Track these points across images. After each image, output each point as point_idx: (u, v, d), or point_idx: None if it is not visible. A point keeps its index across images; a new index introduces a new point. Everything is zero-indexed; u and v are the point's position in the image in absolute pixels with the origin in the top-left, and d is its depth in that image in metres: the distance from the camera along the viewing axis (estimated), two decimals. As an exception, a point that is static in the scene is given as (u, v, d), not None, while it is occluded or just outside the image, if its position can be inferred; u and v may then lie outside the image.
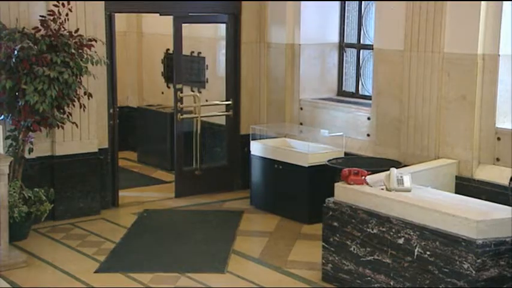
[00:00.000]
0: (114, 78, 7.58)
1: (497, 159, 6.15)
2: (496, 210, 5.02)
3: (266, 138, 7.84)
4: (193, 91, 8.87)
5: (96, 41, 6.65)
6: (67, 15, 6.55)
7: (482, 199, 5.51)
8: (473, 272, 4.52)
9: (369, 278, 5.20)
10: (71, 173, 7.13)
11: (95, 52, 6.62)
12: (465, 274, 4.56)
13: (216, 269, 5.87)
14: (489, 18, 6.00)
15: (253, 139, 7.78)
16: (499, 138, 6.13)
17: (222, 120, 8.51)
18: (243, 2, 8.18)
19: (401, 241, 4.96)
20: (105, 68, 7.15)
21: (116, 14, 7.55)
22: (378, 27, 7.17)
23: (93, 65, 6.56)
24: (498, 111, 6.10)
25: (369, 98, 7.55)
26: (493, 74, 6.05)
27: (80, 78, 6.57)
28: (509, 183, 5.62)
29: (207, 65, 9.00)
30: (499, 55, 6.01)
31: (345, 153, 7.23)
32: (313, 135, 7.64)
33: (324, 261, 5.56)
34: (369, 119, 7.34)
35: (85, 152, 7.19)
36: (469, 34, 6.08)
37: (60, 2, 6.52)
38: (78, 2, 6.89)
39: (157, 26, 9.43)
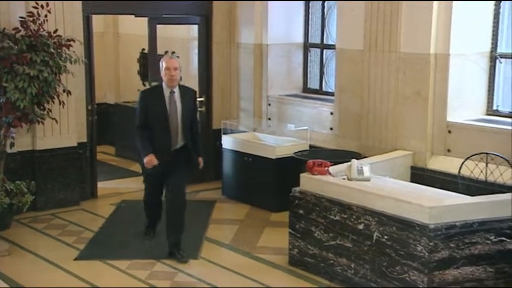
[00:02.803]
0: (92, 76, 7.52)
1: (449, 150, 6.24)
2: (447, 197, 5.13)
3: (236, 132, 7.86)
4: (167, 88, 8.82)
5: (74, 41, 6.58)
6: (46, 16, 6.48)
7: (435, 187, 5.59)
8: (426, 254, 4.58)
9: (332, 261, 5.26)
10: (51, 166, 7.06)
11: (73, 52, 6.56)
12: (419, 256, 4.63)
13: (189, 255, 5.87)
14: (440, 19, 6.09)
15: (225, 133, 7.79)
16: (449, 131, 6.23)
17: (195, 116, 8.50)
18: (214, 4, 8.17)
19: (361, 227, 5.01)
20: (83, 67, 7.09)
21: (93, 16, 7.48)
22: (339, 28, 7.23)
23: (71, 63, 6.50)
24: (449, 106, 6.19)
25: (331, 94, 7.62)
26: (444, 72, 6.14)
27: (59, 77, 6.50)
28: (459, 172, 5.77)
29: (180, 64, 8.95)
30: (449, 54, 6.10)
31: (310, 146, 7.28)
32: (281, 129, 7.68)
33: (290, 246, 5.61)
34: (331, 114, 7.41)
35: (64, 147, 7.12)
36: (422, 35, 6.17)
37: (39, 3, 6.45)
38: (56, 3, 6.82)
39: (133, 27, 9.37)
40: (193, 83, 8.49)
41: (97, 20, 8.43)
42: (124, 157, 9.37)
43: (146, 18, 7.84)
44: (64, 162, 7.14)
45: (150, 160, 5.57)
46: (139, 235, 6.38)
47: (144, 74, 9.44)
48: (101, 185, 7.79)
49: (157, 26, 7.88)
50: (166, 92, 5.64)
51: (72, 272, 5.51)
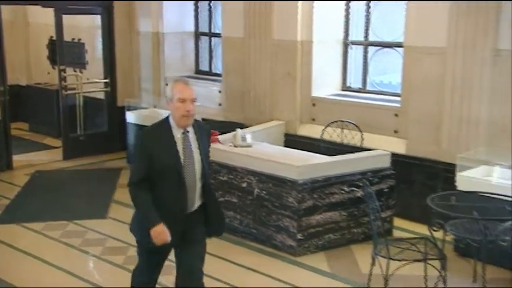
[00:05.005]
0: (3, 61, 6.99)
1: (313, 120, 6.43)
2: (312, 158, 5.29)
3: (139, 108, 7.65)
4: (75, 71, 8.40)
5: (-17, 29, 6.07)
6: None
7: (303, 150, 5.72)
8: (296, 204, 4.73)
9: (221, 214, 5.31)
10: (-33, 142, 6.55)
11: (-17, 38, 6.05)
12: (290, 206, 4.77)
13: (98, 215, 5.70)
14: (305, 12, 6.20)
15: (128, 110, 7.56)
16: (314, 104, 6.41)
17: (101, 95, 8.16)
18: (115, -5, 7.85)
19: (244, 185, 5.07)
20: (-6, 52, 6.57)
21: (1, 6, 6.91)
22: (224, 19, 7.18)
23: (-18, 49, 6.00)
24: (313, 84, 6.36)
25: (219, 75, 7.59)
26: (309, 56, 6.28)
27: (-30, 61, 5.97)
28: (321, 137, 6.00)
29: (86, 50, 8.55)
30: (312, 41, 6.25)
31: (202, 119, 7.14)
32: (177, 106, 7.56)
33: (186, 203, 5.59)
34: (220, 91, 7.39)
35: (-22, 124, 6.63)
36: (290, 25, 6.25)
37: None
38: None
39: (42, 16, 8.76)
40: (99, 66, 8.17)
41: (7, 10, 7.80)
42: (37, 132, 8.87)
43: (52, 9, 7.37)
44: (-21, 138, 6.64)
45: (161, 234, 3.14)
46: (53, 200, 6.09)
47: (52, 59, 8.93)
48: (16, 157, 7.32)
49: (64, 15, 7.45)
50: (177, 133, 3.22)
51: (-10, 236, 5.19)
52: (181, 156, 3.20)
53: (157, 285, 3.50)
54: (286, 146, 6.15)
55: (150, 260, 3.36)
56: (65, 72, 7.60)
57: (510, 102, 4.88)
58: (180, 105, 3.15)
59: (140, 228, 3.26)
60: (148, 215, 3.17)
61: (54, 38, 7.99)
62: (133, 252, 4.83)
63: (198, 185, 3.27)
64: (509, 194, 4.19)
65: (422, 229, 4.80)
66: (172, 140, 3.20)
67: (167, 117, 3.25)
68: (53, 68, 9.05)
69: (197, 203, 3.30)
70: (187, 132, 3.23)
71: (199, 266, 3.30)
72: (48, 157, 7.63)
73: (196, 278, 3.29)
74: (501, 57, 4.86)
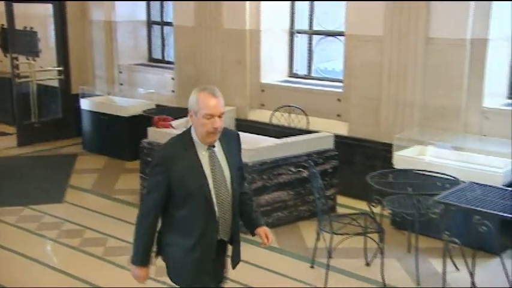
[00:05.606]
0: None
1: (262, 105, 6.47)
2: (261, 141, 5.28)
3: (93, 96, 7.48)
4: (28, 59, 8.08)
5: None
6: None
7: (253, 134, 5.72)
8: (246, 185, 4.75)
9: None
10: None
11: None
12: (241, 187, 4.83)
13: (54, 200, 5.57)
14: (252, 3, 6.18)
15: (83, 97, 7.37)
16: (263, 90, 6.46)
17: (56, 83, 7.91)
18: (66, -15, 7.58)
19: (197, 167, 5.08)
20: None
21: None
22: (175, 8, 7.07)
23: None
24: (262, 71, 6.38)
25: (172, 63, 7.50)
26: (257, 44, 6.29)
27: None
28: (270, 121, 6.05)
29: (39, 38, 8.23)
30: (260, 30, 6.26)
31: (156, 105, 7.14)
32: (131, 93, 7.45)
33: (141, 187, 5.52)
34: (173, 79, 7.31)
35: None
36: (239, 14, 6.23)
37: None
38: None
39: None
40: (52, 55, 7.90)
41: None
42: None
43: (3, -3, 7.07)
44: None
45: (140, 278, 2.70)
46: (8, 186, 5.90)
47: (4, 48, 8.55)
48: (-31, 146, 7.06)
49: (17, 4, 7.14)
50: (202, 149, 2.63)
51: None
52: (210, 177, 2.60)
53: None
54: (237, 131, 6.15)
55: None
56: (17, 60, 7.31)
57: (440, 86, 5.08)
58: (207, 121, 2.55)
59: (180, 273, 2.67)
60: (142, 251, 2.64)
61: (6, 27, 7.66)
62: (89, 234, 4.79)
63: (231, 204, 2.68)
64: (440, 171, 4.39)
65: (363, 205, 4.93)
66: (196, 158, 2.59)
67: (189, 131, 2.64)
68: (5, 56, 8.67)
69: (230, 225, 2.73)
70: (213, 147, 2.63)
71: None
72: (3, 144, 7.36)
73: None
74: (432, 45, 5.04)
